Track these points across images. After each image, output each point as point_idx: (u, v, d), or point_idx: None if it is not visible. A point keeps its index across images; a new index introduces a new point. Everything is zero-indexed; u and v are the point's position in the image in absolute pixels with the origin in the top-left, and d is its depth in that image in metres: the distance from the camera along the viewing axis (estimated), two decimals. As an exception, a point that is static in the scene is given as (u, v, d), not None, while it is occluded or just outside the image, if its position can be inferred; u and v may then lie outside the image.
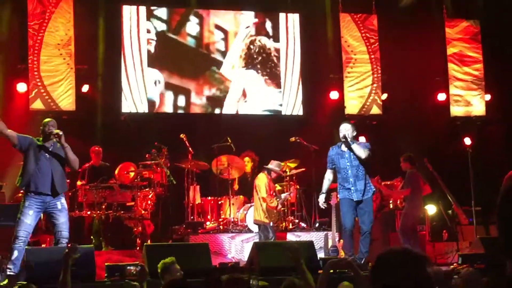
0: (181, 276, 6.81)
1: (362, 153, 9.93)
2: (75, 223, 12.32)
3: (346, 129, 10.04)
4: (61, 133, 8.85)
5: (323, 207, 10.58)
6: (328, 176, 10.36)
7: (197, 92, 15.27)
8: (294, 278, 5.53)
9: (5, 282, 8.19)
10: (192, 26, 15.43)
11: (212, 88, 15.35)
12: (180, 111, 15.25)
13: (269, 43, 15.88)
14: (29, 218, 8.68)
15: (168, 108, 15.18)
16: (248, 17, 15.86)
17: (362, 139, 15.64)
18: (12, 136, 8.83)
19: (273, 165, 12.10)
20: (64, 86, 14.04)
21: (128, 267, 8.25)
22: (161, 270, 7.04)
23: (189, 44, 15.38)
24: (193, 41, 15.41)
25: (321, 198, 10.37)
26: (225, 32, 15.65)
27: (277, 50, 15.88)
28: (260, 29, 15.89)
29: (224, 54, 15.55)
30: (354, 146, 9.95)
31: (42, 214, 9.13)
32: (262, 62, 15.76)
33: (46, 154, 8.91)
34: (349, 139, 9.95)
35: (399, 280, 2.93)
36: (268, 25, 15.99)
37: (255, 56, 15.72)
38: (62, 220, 8.87)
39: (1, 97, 13.75)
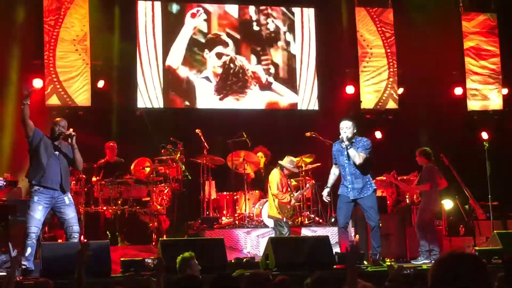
0: (198, 272, 6.80)
1: (357, 158, 9.95)
2: (91, 218, 12.38)
3: (346, 127, 10.02)
4: (73, 134, 8.92)
5: (327, 201, 10.69)
6: (334, 171, 10.41)
7: (215, 88, 15.26)
8: (321, 273, 5.49)
9: (21, 277, 8.21)
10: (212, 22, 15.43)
11: (228, 81, 15.34)
12: (195, 106, 15.22)
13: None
14: (39, 213, 8.71)
15: (183, 103, 15.17)
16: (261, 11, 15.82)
17: (377, 134, 15.67)
18: (30, 127, 8.90)
19: (286, 161, 12.04)
20: (79, 81, 14.07)
21: (146, 260, 8.28)
22: (179, 265, 7.04)
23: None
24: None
25: (325, 192, 10.48)
26: (239, 26, 15.64)
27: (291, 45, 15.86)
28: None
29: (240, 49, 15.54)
30: (350, 151, 9.96)
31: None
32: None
33: (56, 152, 8.97)
34: (345, 143, 9.95)
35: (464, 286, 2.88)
36: (284, 19, 15.93)
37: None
38: (72, 215, 8.92)
39: (18, 93, 13.78)
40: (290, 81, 15.80)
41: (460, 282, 2.89)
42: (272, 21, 15.84)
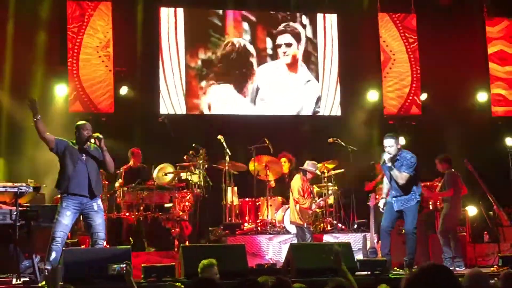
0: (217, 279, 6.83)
1: (400, 179, 10.09)
2: (114, 224, 12.43)
3: (389, 145, 10.04)
4: (101, 136, 8.95)
5: (382, 211, 10.65)
6: (386, 181, 10.62)
7: (238, 92, 15.30)
8: (341, 279, 5.49)
9: (43, 283, 8.26)
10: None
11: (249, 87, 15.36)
12: (217, 112, 15.25)
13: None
14: (67, 219, 8.74)
15: (205, 109, 15.20)
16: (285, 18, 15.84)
17: (401, 140, 15.60)
18: (50, 140, 8.92)
19: (308, 165, 12.05)
20: (103, 88, 14.14)
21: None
22: (200, 271, 7.09)
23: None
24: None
25: (381, 203, 10.67)
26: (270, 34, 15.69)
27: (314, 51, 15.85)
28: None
29: (264, 55, 15.57)
30: (393, 173, 10.09)
31: (80, 215, 9.20)
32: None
33: (83, 157, 8.98)
34: (388, 165, 10.01)
35: None
36: (306, 26, 15.94)
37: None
38: (99, 222, 8.93)
39: (41, 99, 13.87)
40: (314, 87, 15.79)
41: None
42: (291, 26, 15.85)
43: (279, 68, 15.64)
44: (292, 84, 15.65)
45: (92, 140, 8.97)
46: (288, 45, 15.74)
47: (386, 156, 10.08)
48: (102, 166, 9.15)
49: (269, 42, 15.67)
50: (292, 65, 15.72)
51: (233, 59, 15.37)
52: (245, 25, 15.57)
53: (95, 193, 8.94)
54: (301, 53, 15.79)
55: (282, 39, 15.74)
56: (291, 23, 15.81)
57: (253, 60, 15.47)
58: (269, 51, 15.66)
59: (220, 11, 15.51)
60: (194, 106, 15.16)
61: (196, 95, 15.17)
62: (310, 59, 15.84)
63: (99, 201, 9.11)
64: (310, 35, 15.90)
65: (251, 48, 15.49)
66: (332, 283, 5.20)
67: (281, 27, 15.76)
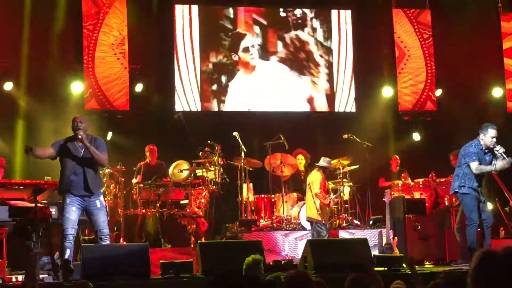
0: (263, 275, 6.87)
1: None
2: (130, 221, 12.49)
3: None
4: (79, 136, 8.78)
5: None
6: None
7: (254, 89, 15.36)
8: (360, 274, 5.50)
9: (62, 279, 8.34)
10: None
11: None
12: (232, 109, 15.28)
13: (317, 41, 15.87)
14: (73, 214, 8.74)
15: (220, 106, 15.24)
16: (299, 15, 15.86)
17: (415, 135, 15.63)
18: (50, 153, 8.95)
19: (324, 161, 12.06)
20: (118, 85, 14.19)
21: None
22: (246, 268, 7.12)
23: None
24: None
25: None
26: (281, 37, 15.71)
27: (329, 48, 15.87)
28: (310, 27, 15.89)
29: (269, 53, 15.60)
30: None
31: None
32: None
33: (79, 153, 8.93)
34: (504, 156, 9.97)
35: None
36: (319, 22, 15.94)
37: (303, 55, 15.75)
38: (102, 218, 8.93)
39: (57, 96, 13.99)
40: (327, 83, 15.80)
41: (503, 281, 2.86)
42: (310, 24, 15.87)
43: (292, 66, 15.65)
44: (303, 82, 15.65)
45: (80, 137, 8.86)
46: (301, 44, 15.74)
47: (501, 148, 9.98)
48: (97, 162, 9.06)
49: (280, 45, 15.68)
50: (305, 64, 15.72)
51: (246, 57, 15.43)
52: (256, 29, 15.58)
53: (92, 191, 8.88)
54: (314, 52, 15.78)
55: (295, 39, 15.73)
56: (304, 26, 15.82)
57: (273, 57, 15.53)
58: (281, 54, 15.66)
59: (232, 15, 15.52)
60: (209, 103, 15.19)
61: (211, 92, 15.20)
62: (323, 57, 15.83)
63: (101, 198, 9.12)
64: (322, 33, 15.89)
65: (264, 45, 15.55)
66: (349, 278, 5.19)
67: (292, 29, 15.77)
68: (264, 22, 15.65)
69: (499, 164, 9.98)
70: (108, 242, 8.96)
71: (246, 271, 7.06)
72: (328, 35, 15.91)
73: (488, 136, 9.98)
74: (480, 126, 10.17)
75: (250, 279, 4.18)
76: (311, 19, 15.92)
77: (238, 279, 4.02)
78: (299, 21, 15.88)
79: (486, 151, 10.09)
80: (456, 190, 10.20)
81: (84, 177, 8.85)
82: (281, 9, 15.82)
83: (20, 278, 8.68)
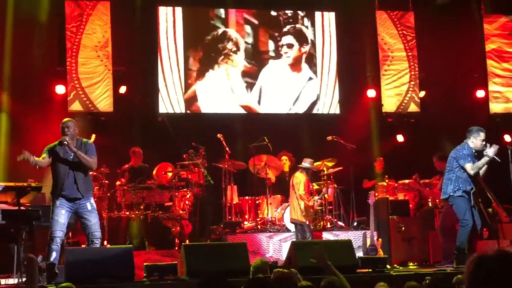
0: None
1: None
2: (114, 223, 12.44)
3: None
4: (65, 142, 8.75)
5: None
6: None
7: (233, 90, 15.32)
8: (334, 278, 5.50)
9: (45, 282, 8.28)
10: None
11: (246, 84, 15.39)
12: (216, 111, 15.26)
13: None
14: (62, 217, 8.72)
15: (204, 108, 15.21)
16: (284, 16, 15.88)
17: (399, 137, 15.66)
18: (48, 161, 8.92)
19: (307, 162, 12.08)
20: (101, 87, 14.13)
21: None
22: (253, 271, 7.14)
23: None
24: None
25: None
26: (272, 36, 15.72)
27: (313, 49, 15.89)
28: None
29: (260, 53, 15.60)
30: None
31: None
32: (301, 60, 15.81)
33: (69, 157, 8.91)
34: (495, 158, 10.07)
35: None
36: (305, 23, 15.97)
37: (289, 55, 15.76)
38: (94, 221, 8.90)
39: (41, 99, 13.91)
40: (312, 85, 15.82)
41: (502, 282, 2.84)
42: (294, 27, 15.89)
43: (280, 68, 15.66)
44: (293, 83, 15.67)
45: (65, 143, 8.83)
46: (290, 46, 15.76)
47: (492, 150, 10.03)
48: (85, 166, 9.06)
49: (271, 44, 15.70)
50: (294, 65, 15.74)
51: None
52: (248, 28, 15.59)
53: (83, 194, 8.86)
54: (304, 53, 15.81)
55: (285, 40, 15.76)
56: (294, 25, 15.84)
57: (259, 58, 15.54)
58: (272, 53, 15.69)
59: (223, 15, 15.52)
60: (193, 105, 15.16)
61: (195, 94, 15.17)
62: (311, 58, 15.86)
63: (92, 200, 9.07)
64: (311, 34, 15.92)
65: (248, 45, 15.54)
66: (324, 282, 5.23)
67: (284, 29, 15.79)
68: (255, 22, 15.66)
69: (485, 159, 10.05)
70: (98, 245, 8.94)
71: (253, 273, 7.08)
72: (313, 36, 15.93)
73: (478, 139, 10.06)
74: (468, 130, 10.22)
75: (258, 282, 4.18)
76: (302, 18, 15.93)
77: (224, 283, 4.02)
78: (291, 19, 15.90)
79: (475, 154, 10.15)
80: (451, 193, 10.20)
81: (75, 180, 8.83)
82: (272, 12, 15.85)
83: (3, 281, 8.62)
